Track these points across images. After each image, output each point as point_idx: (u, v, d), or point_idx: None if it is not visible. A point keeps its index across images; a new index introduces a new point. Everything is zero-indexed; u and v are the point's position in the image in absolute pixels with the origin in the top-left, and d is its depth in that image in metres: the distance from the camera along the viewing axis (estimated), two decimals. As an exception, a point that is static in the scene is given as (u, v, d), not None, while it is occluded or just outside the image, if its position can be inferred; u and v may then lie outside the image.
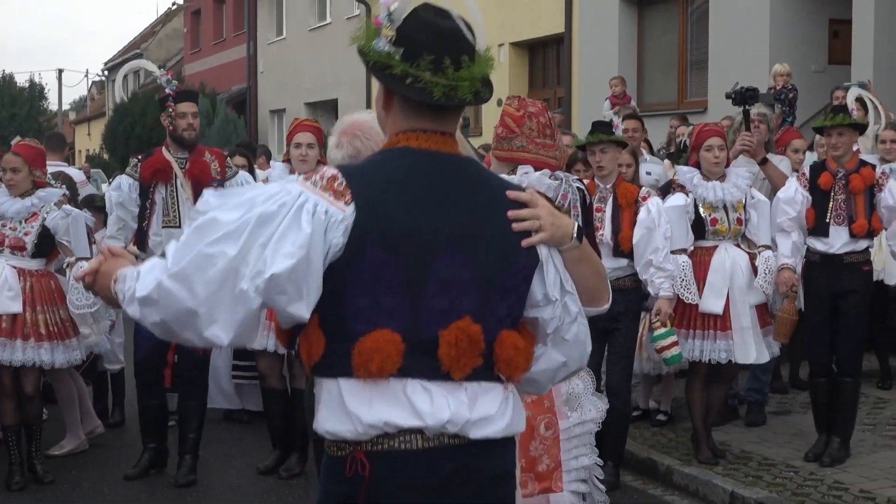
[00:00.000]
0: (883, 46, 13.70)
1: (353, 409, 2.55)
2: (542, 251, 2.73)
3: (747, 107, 8.18)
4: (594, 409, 4.76)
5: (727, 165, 7.29)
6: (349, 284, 2.55)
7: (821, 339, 7.28)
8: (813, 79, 14.97)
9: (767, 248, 7.14)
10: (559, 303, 2.74)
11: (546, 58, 21.86)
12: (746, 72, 15.39)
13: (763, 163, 7.96)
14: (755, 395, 8.19)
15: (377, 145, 3.74)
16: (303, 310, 2.51)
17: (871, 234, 7.22)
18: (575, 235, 2.77)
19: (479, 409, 2.60)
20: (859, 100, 10.23)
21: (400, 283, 2.56)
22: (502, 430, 2.64)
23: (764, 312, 7.19)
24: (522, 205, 2.72)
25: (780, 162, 8.34)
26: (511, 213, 2.68)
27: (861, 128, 7.69)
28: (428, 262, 2.58)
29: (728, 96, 8.33)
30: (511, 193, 2.73)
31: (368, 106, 26.82)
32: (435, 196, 2.62)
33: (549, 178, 4.73)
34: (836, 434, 7.18)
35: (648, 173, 9.26)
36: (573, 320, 2.78)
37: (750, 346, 7.05)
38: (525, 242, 2.69)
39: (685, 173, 7.28)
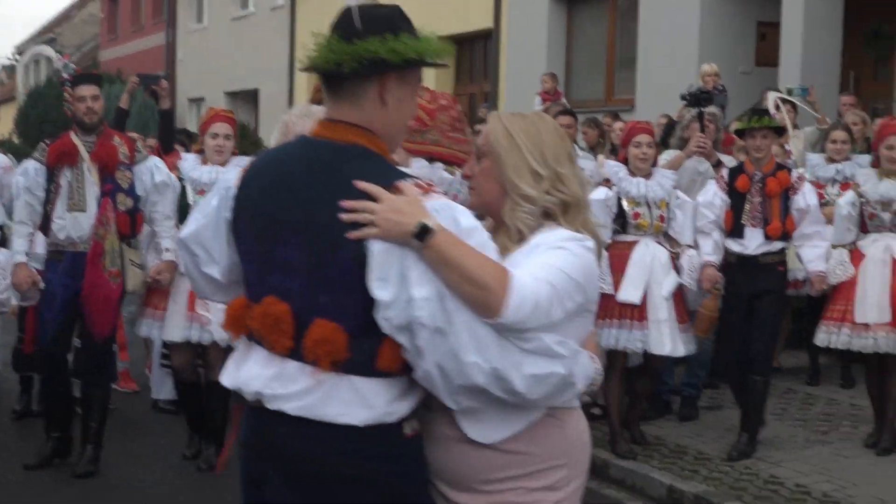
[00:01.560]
0: (811, 49, 13.80)
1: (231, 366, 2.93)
2: (375, 246, 2.62)
3: (702, 108, 8.19)
4: None
5: (654, 164, 7.35)
6: (240, 255, 2.89)
7: (733, 337, 7.42)
8: (740, 80, 15.03)
9: (690, 247, 7.20)
10: (394, 305, 2.60)
11: (474, 53, 21.73)
12: (675, 71, 15.46)
13: (717, 165, 7.97)
14: (690, 389, 8.16)
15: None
16: (214, 271, 2.98)
17: (785, 236, 7.31)
18: (416, 234, 2.59)
19: (281, 385, 2.72)
20: (785, 102, 10.33)
21: (255, 259, 2.82)
22: (296, 409, 2.69)
23: (681, 309, 7.20)
24: (368, 197, 2.65)
25: (730, 163, 8.35)
26: (345, 204, 2.64)
27: (781, 131, 7.79)
28: (272, 243, 2.76)
29: (683, 97, 8.34)
30: (359, 184, 2.66)
31: (291, 97, 26.54)
32: (285, 182, 2.77)
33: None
34: (744, 430, 7.22)
35: (582, 169, 9.19)
36: (428, 329, 2.59)
37: (665, 338, 7.11)
38: (350, 235, 2.63)
39: (612, 167, 7.36)
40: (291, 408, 2.71)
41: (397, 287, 2.60)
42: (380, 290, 2.61)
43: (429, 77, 21.36)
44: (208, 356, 7.22)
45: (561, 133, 3.05)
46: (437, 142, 4.68)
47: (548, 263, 2.74)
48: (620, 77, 17.82)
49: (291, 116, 4.64)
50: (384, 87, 2.78)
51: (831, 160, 8.65)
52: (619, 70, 17.95)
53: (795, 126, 10.66)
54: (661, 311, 7.14)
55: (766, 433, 7.42)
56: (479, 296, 2.58)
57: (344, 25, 2.78)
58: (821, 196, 8.40)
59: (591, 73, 18.44)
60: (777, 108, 9.89)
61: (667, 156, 8.60)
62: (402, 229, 2.59)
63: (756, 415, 7.29)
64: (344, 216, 2.64)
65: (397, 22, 2.78)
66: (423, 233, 2.58)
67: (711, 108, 8.50)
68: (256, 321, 2.77)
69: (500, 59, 19.75)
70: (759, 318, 7.29)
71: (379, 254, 2.61)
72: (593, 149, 11.27)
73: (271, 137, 4.75)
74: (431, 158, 4.69)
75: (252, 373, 2.79)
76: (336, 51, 2.74)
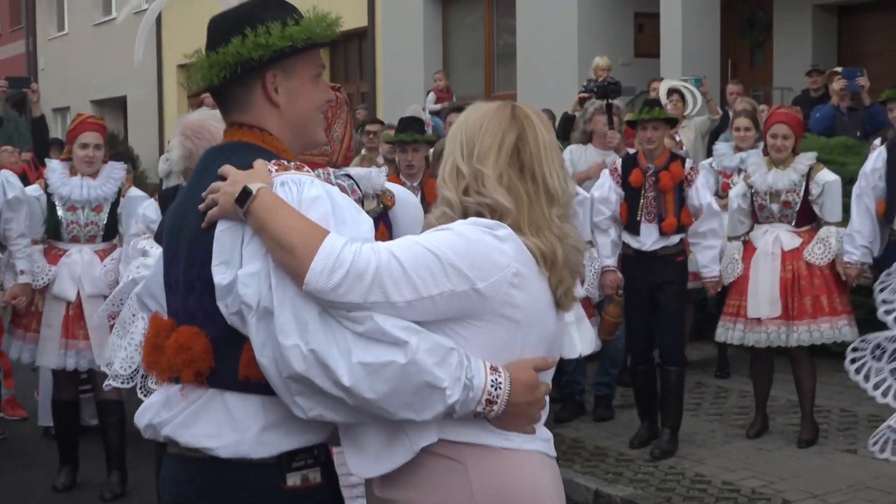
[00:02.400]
0: (691, 39, 13.87)
1: None
2: (218, 229, 2.43)
3: (609, 100, 8.06)
4: None
5: None
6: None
7: (640, 331, 7.33)
8: (620, 72, 15.03)
9: (590, 243, 7.05)
10: (229, 288, 2.38)
11: (349, 52, 21.42)
12: (555, 64, 15.45)
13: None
14: (603, 389, 8.02)
15: (210, 143, 3.85)
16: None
17: (681, 229, 7.23)
18: (238, 200, 2.37)
19: (166, 410, 2.52)
20: (672, 93, 10.31)
21: (167, 285, 2.65)
22: (168, 432, 2.48)
23: (586, 301, 7.07)
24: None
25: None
26: (204, 194, 2.48)
27: (673, 122, 7.72)
28: (169, 263, 2.62)
29: (590, 89, 8.20)
30: (220, 169, 2.50)
31: (161, 103, 25.86)
32: (183, 197, 2.65)
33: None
34: (665, 425, 7.11)
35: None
36: (254, 311, 2.32)
37: (576, 341, 6.89)
38: (204, 224, 2.45)
39: None
40: (165, 433, 2.50)
41: (235, 269, 2.38)
42: (219, 274, 2.40)
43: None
44: (94, 377, 6.85)
45: (510, 129, 2.56)
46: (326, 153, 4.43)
47: (411, 240, 2.36)
48: (500, 72, 17.73)
49: (209, 122, 4.51)
50: (266, 87, 2.59)
51: (737, 149, 8.60)
52: (498, 65, 17.86)
53: (683, 116, 10.66)
54: (569, 314, 6.98)
55: (684, 430, 7.31)
56: (286, 260, 2.28)
57: (209, 35, 2.63)
58: (726, 186, 8.37)
59: (470, 68, 18.33)
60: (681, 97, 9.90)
61: (569, 153, 8.45)
62: (230, 199, 2.38)
63: (675, 408, 7.18)
64: (201, 206, 2.48)
65: (259, 13, 2.57)
66: (244, 197, 2.36)
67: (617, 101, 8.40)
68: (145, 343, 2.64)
69: (376, 58, 19.50)
70: (663, 310, 7.19)
71: (220, 235, 2.41)
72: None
73: (170, 145, 4.65)
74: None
75: (148, 402, 2.60)
76: (205, 65, 2.58)
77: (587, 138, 8.56)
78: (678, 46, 13.91)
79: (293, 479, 2.42)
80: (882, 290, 3.79)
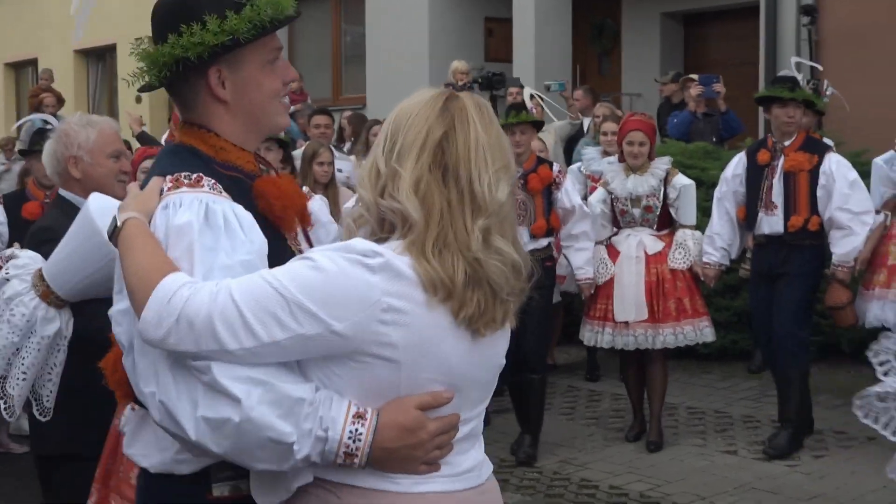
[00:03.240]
0: (543, 44, 13.93)
1: None
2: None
3: (494, 92, 7.96)
4: None
5: None
6: None
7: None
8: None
9: None
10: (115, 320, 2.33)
11: (188, 53, 20.82)
12: (405, 68, 15.30)
13: None
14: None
15: (68, 147, 4.18)
16: None
17: (550, 232, 7.23)
18: (109, 233, 2.29)
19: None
20: (532, 97, 10.31)
21: None
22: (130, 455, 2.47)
23: None
24: None
25: None
26: None
27: (539, 125, 7.72)
28: None
29: (475, 80, 8.08)
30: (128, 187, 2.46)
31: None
32: None
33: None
34: (527, 431, 7.05)
35: (340, 170, 8.84)
36: (126, 349, 2.26)
37: None
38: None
39: None
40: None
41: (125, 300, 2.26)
42: (115, 303, 2.32)
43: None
44: None
45: (435, 125, 2.24)
46: None
47: (260, 276, 2.10)
48: (349, 75, 17.49)
49: (70, 125, 4.30)
50: (210, 84, 2.42)
51: (605, 153, 8.61)
52: (346, 68, 17.62)
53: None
54: None
55: (563, 434, 7.27)
56: (132, 304, 2.16)
57: (152, 27, 2.47)
58: (593, 189, 8.37)
59: (316, 70, 18.01)
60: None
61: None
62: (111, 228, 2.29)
63: (537, 414, 7.13)
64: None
65: (194, 5, 2.38)
66: (112, 228, 2.27)
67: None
68: None
69: (218, 59, 18.97)
70: (529, 315, 7.11)
71: (116, 261, 2.29)
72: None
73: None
74: None
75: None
76: (147, 62, 2.44)
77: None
78: (531, 52, 13.95)
79: (220, 490, 2.31)
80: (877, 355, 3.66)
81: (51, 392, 3.91)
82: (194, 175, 2.30)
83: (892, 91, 10.63)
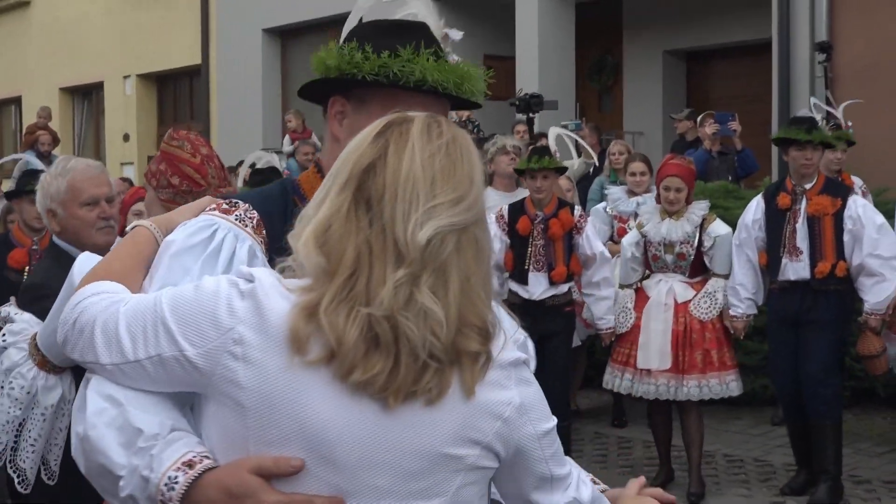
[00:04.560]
0: (547, 81, 13.76)
1: None
2: None
3: (531, 114, 7.80)
4: None
5: None
6: None
7: None
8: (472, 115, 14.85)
9: None
10: None
11: (178, 91, 20.59)
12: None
13: None
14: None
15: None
16: None
17: (570, 277, 7.15)
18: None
19: None
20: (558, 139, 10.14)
21: None
22: None
23: None
24: None
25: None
26: None
27: (563, 170, 7.56)
28: None
29: (512, 104, 7.93)
30: None
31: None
32: None
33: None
34: None
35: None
36: None
37: None
38: None
39: None
40: None
41: None
42: None
43: (129, 117, 20.10)
44: None
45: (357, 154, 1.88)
46: None
47: (157, 291, 1.92)
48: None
49: (48, 175, 4.19)
50: (331, 115, 2.26)
51: (632, 193, 8.42)
52: (343, 105, 17.42)
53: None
54: None
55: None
56: None
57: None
58: (623, 231, 8.14)
59: (312, 108, 17.79)
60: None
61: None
62: None
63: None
64: None
65: (371, 34, 2.22)
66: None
67: (514, 140, 8.11)
68: None
69: (210, 97, 18.74)
70: (550, 360, 6.94)
71: None
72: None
73: None
74: None
75: None
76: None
77: (488, 180, 8.23)
78: (534, 89, 13.75)
79: None
80: None
81: (57, 457, 3.75)
82: (236, 202, 2.18)
83: (909, 128, 10.51)
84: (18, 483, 3.67)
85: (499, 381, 1.83)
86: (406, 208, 1.78)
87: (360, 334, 1.75)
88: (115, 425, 1.85)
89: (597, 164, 10.93)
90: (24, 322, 3.71)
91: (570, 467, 2.00)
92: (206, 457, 1.82)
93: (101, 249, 4.03)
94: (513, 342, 1.89)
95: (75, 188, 4.06)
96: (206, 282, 1.87)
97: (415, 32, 2.26)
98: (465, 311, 1.79)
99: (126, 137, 20.27)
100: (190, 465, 1.80)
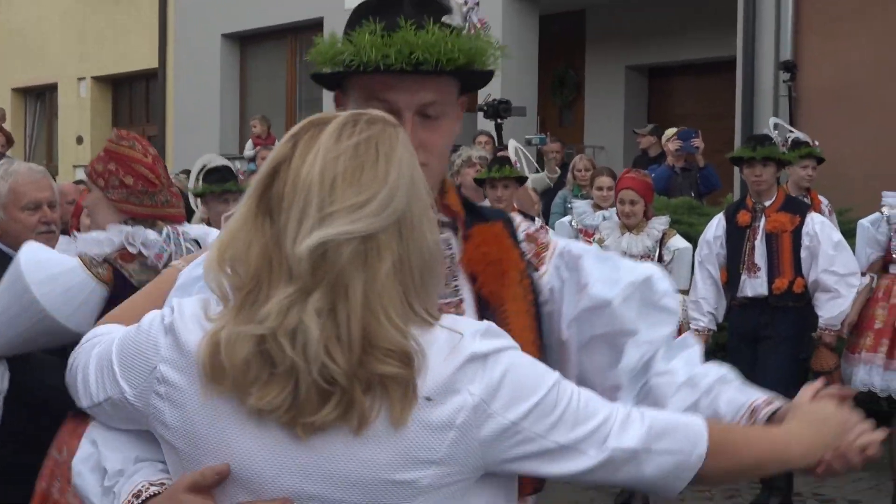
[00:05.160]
0: (509, 94, 13.62)
1: None
2: None
3: (499, 120, 7.71)
4: None
5: None
6: None
7: None
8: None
9: None
10: None
11: (133, 94, 20.30)
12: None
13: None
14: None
15: None
16: None
17: None
18: None
19: None
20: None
21: None
22: None
23: None
24: None
25: None
26: None
27: (523, 180, 7.54)
28: None
29: (480, 109, 7.83)
30: None
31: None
32: None
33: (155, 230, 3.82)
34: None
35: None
36: None
37: None
38: None
39: None
40: None
41: None
42: None
43: (83, 119, 19.80)
44: None
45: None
46: (168, 203, 3.84)
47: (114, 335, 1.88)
48: (305, 118, 17.09)
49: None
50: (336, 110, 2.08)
51: (597, 207, 8.37)
52: (301, 112, 17.23)
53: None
54: None
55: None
56: None
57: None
58: (588, 244, 8.06)
59: (270, 115, 17.62)
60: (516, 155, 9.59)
61: None
62: None
63: None
64: None
65: (376, 13, 2.04)
66: None
67: (480, 151, 8.02)
68: None
69: (166, 101, 18.48)
70: None
71: None
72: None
73: None
74: (158, 220, 3.85)
75: None
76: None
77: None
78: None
79: None
80: None
81: None
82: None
83: (872, 148, 10.53)
84: None
85: (444, 390, 1.64)
86: (299, 215, 1.62)
87: (247, 355, 1.62)
88: (96, 469, 1.85)
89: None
90: None
91: (600, 419, 1.74)
92: (156, 484, 1.77)
93: None
94: (472, 335, 1.68)
95: (17, 191, 4.00)
96: (145, 317, 1.78)
97: (394, 5, 2.05)
98: (371, 331, 1.61)
99: (80, 140, 19.95)
100: (137, 495, 1.76)
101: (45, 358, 3.60)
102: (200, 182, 6.51)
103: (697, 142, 10.53)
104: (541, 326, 2.16)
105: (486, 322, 1.75)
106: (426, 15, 2.02)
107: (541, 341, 2.14)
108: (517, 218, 2.27)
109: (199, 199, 6.59)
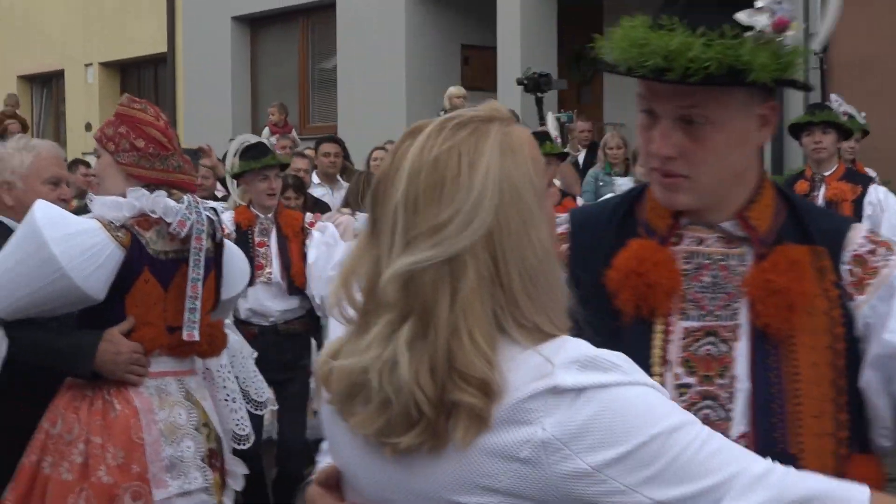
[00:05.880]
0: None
1: None
2: None
3: (539, 94, 7.57)
4: (202, 477, 3.72)
5: None
6: None
7: None
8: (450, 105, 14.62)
9: None
10: None
11: (142, 79, 20.13)
12: (380, 94, 14.86)
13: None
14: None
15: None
16: None
17: None
18: None
19: None
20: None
21: None
22: None
23: None
24: None
25: None
26: None
27: (564, 156, 7.38)
28: None
29: (520, 82, 7.70)
30: None
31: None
32: None
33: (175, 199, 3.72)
34: None
35: None
36: None
37: None
38: None
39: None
40: None
41: None
42: None
43: (92, 105, 19.62)
44: None
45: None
46: (180, 168, 3.76)
47: None
48: (317, 101, 16.94)
49: (6, 149, 4.08)
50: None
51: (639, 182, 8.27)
52: (315, 93, 17.07)
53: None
54: None
55: None
56: None
57: None
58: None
59: (282, 98, 17.45)
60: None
61: None
62: None
63: None
64: None
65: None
66: None
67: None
68: None
69: (176, 85, 18.30)
70: None
71: None
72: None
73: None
74: (169, 186, 3.75)
75: None
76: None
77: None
78: (514, 79, 13.56)
79: None
80: None
81: None
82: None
83: (905, 121, 10.40)
84: None
85: (513, 418, 1.53)
86: (389, 240, 1.58)
87: (347, 386, 1.62)
88: None
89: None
90: None
91: (720, 477, 1.51)
92: None
93: None
94: (566, 365, 1.53)
95: (41, 165, 3.98)
96: None
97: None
98: (454, 354, 1.53)
99: (88, 127, 19.74)
100: None
101: (26, 329, 3.51)
102: (238, 161, 6.39)
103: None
104: (848, 363, 1.95)
105: (600, 351, 1.57)
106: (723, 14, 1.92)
107: (844, 380, 1.94)
108: (859, 233, 2.02)
109: (235, 182, 6.45)
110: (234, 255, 4.01)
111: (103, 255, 3.42)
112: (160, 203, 3.59)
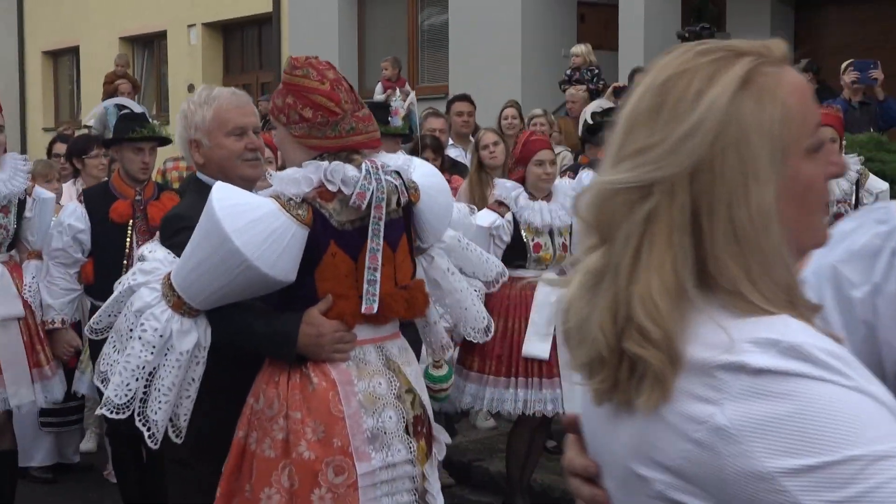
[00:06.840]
0: (652, 30, 13.12)
1: None
2: None
3: None
4: (405, 448, 3.59)
5: None
6: None
7: None
8: (564, 65, 14.24)
9: None
10: None
11: (245, 40, 19.98)
12: (493, 54, 14.55)
13: None
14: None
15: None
16: None
17: None
18: None
19: None
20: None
21: None
22: None
23: None
24: None
25: None
26: None
27: None
28: None
29: (680, 36, 7.38)
30: None
31: (23, 92, 23.89)
32: None
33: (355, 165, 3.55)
34: None
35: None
36: None
37: (578, 394, 5.85)
38: None
39: (507, 189, 6.10)
40: None
41: None
42: None
43: (195, 68, 19.52)
44: None
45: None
46: (354, 130, 3.54)
47: None
48: (427, 60, 16.65)
49: (189, 104, 3.94)
50: None
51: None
52: (424, 52, 16.78)
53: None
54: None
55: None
56: None
57: None
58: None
59: (404, 58, 17.18)
60: None
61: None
62: None
63: None
64: None
65: None
66: None
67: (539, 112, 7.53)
68: None
69: (281, 46, 18.13)
70: None
71: None
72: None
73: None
74: (351, 152, 3.51)
75: None
76: None
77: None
78: (639, 38, 13.11)
79: None
80: None
81: (188, 411, 3.52)
82: None
83: None
84: (148, 437, 3.44)
85: (693, 391, 1.33)
86: (606, 161, 1.46)
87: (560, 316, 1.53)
88: None
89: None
90: (156, 261, 3.54)
91: None
92: None
93: (248, 183, 3.75)
94: (763, 345, 1.30)
95: (222, 117, 3.83)
96: None
97: None
98: (631, 302, 1.37)
99: (191, 88, 19.69)
100: None
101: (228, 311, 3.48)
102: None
103: (877, 73, 9.90)
104: None
105: (818, 339, 1.31)
106: None
107: None
108: None
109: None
110: (433, 195, 3.76)
111: (286, 237, 3.33)
112: (338, 174, 3.44)
